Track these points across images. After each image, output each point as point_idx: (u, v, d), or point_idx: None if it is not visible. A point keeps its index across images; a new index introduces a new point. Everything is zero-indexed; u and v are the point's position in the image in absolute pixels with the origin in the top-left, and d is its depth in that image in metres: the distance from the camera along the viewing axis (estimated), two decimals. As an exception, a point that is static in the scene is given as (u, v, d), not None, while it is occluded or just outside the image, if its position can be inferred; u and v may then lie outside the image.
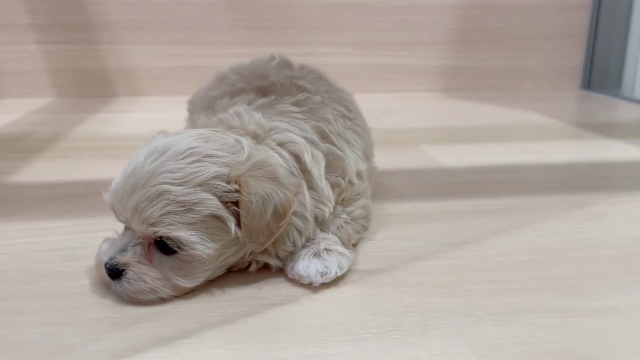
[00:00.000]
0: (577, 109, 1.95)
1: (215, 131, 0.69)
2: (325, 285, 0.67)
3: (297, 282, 0.68)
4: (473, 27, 2.15)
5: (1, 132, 1.51)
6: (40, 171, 1.14)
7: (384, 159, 1.06)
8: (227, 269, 0.69)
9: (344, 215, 0.76)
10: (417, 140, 1.42)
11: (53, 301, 0.64)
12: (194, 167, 0.62)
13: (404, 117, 1.75)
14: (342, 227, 0.75)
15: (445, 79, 2.18)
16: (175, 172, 0.61)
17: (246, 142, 0.67)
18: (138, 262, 0.63)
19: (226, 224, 0.63)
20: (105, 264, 0.63)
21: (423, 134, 1.51)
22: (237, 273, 0.70)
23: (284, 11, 2.05)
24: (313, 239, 0.71)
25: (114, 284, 0.63)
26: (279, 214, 0.63)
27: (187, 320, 0.60)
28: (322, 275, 0.67)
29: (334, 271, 0.67)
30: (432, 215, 0.90)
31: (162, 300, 0.64)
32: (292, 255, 0.70)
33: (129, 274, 0.62)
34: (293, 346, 0.56)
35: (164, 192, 0.60)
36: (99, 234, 0.80)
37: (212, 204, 0.62)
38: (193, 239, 0.62)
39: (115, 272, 0.63)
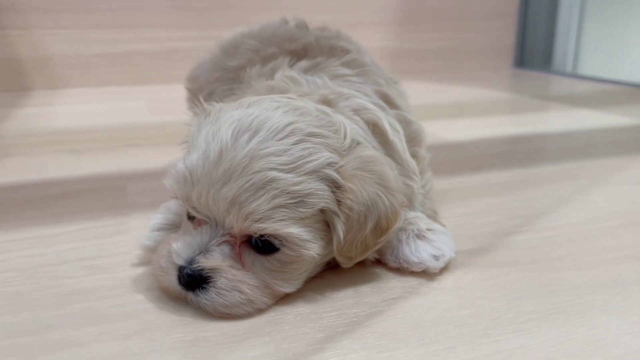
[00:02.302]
0: (523, 84, 1.98)
1: (291, 98, 0.56)
2: (440, 271, 0.57)
3: (403, 270, 0.57)
4: (414, 7, 2.12)
5: None
6: (-12, 173, 0.93)
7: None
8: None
9: (421, 190, 0.66)
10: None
11: (112, 325, 0.48)
12: (301, 150, 0.49)
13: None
14: (424, 203, 0.65)
15: (390, 61, 2.13)
16: (281, 156, 0.48)
17: (341, 117, 0.55)
18: (230, 266, 0.49)
19: (334, 222, 0.50)
20: (182, 268, 0.49)
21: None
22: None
23: (223, -9, 1.89)
24: (405, 219, 0.60)
25: (194, 295, 0.49)
26: (381, 229, 0.52)
27: (307, 329, 0.47)
28: (436, 258, 0.56)
29: (448, 253, 0.57)
30: (486, 188, 0.83)
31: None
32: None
33: (220, 282, 0.48)
34: (459, 345, 0.45)
35: (272, 180, 0.47)
36: (112, 239, 0.67)
37: (326, 196, 0.49)
38: (306, 236, 0.49)
39: (197, 279, 0.48)
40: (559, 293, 0.53)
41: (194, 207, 0.50)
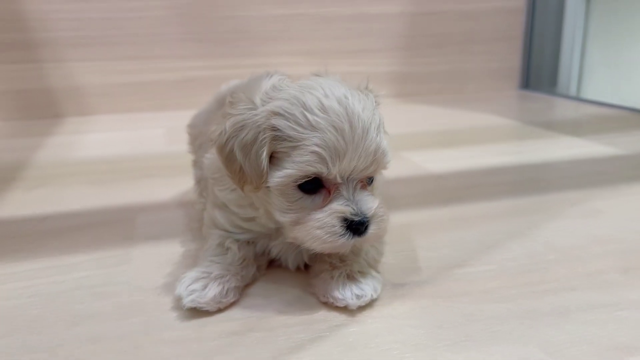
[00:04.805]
0: (524, 108, 2.07)
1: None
2: (381, 301, 0.68)
3: (329, 305, 0.67)
4: (419, 33, 2.23)
5: (-47, 163, 1.41)
6: (21, 204, 1.08)
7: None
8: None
9: None
10: (394, 147, 1.45)
11: (109, 344, 0.61)
12: (364, 97, 0.66)
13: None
14: (368, 251, 0.75)
15: (396, 85, 2.25)
16: (366, 105, 0.64)
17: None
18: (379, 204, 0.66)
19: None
20: (357, 221, 0.63)
21: (397, 141, 1.54)
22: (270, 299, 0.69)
23: (236, 23, 2.04)
24: (344, 261, 0.71)
25: (359, 236, 0.63)
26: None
27: (262, 351, 0.59)
28: (357, 297, 0.67)
29: (369, 294, 0.67)
30: (446, 223, 0.94)
31: (237, 326, 0.62)
32: (324, 275, 0.70)
33: (380, 212, 0.65)
34: (377, 366, 0.56)
35: (378, 122, 0.65)
36: (117, 269, 0.79)
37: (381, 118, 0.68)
38: None
39: (367, 223, 0.63)
40: (475, 323, 0.63)
41: (338, 175, 0.62)
